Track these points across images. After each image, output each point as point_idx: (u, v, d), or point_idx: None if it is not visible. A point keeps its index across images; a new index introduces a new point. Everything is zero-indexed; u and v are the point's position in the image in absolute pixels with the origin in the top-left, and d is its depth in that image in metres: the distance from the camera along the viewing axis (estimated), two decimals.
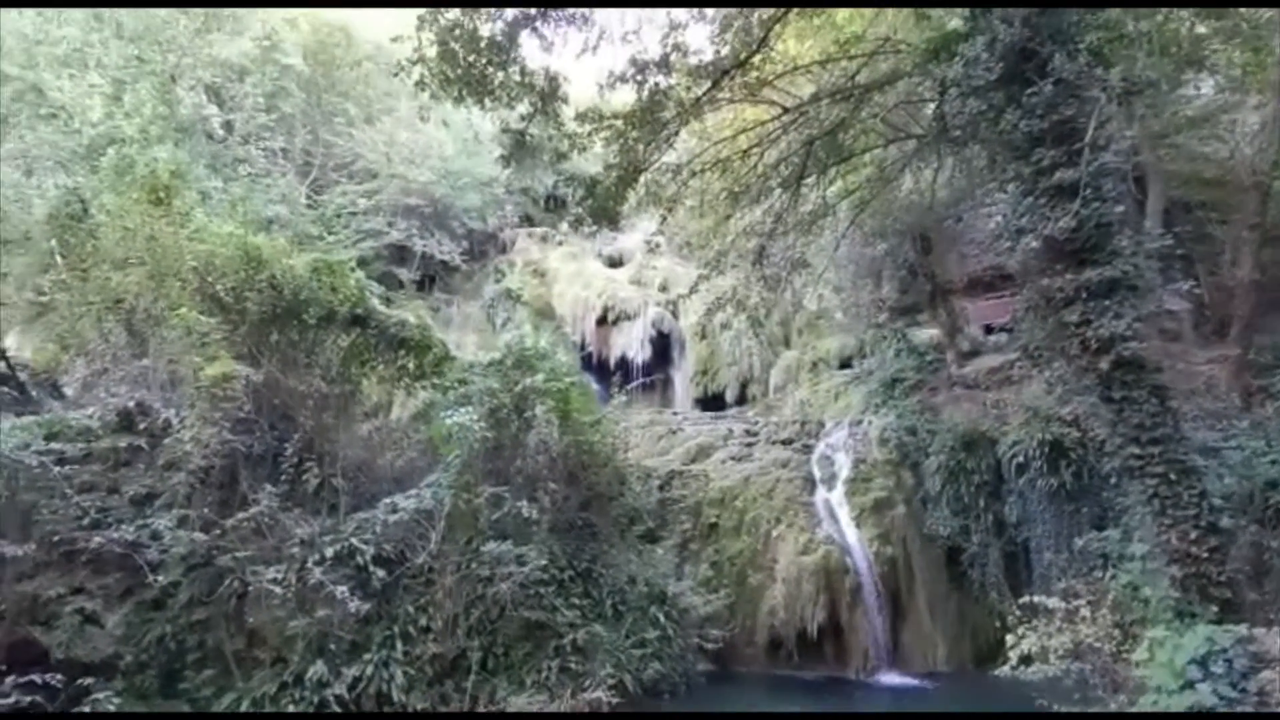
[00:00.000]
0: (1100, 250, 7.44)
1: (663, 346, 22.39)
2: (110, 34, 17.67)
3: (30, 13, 17.02)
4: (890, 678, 11.26)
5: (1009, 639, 7.51)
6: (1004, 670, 7.38)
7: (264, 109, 20.35)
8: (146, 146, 12.59)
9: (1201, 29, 10.91)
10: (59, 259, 10.46)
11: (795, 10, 11.23)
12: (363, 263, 15.51)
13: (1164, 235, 9.74)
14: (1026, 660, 7.25)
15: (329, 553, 8.21)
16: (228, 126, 19.31)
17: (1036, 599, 7.63)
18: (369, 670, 8.01)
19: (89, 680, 6.75)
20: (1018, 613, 7.87)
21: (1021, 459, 11.45)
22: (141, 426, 8.72)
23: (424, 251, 23.04)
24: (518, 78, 10.04)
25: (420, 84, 9.86)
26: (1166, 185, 13.27)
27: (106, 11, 17.77)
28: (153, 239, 9.54)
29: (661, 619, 10.27)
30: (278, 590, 7.75)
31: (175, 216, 9.94)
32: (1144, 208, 12.90)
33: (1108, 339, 7.24)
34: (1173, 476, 7.04)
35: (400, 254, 22.94)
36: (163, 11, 18.42)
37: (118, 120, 15.47)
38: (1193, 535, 6.92)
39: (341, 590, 7.84)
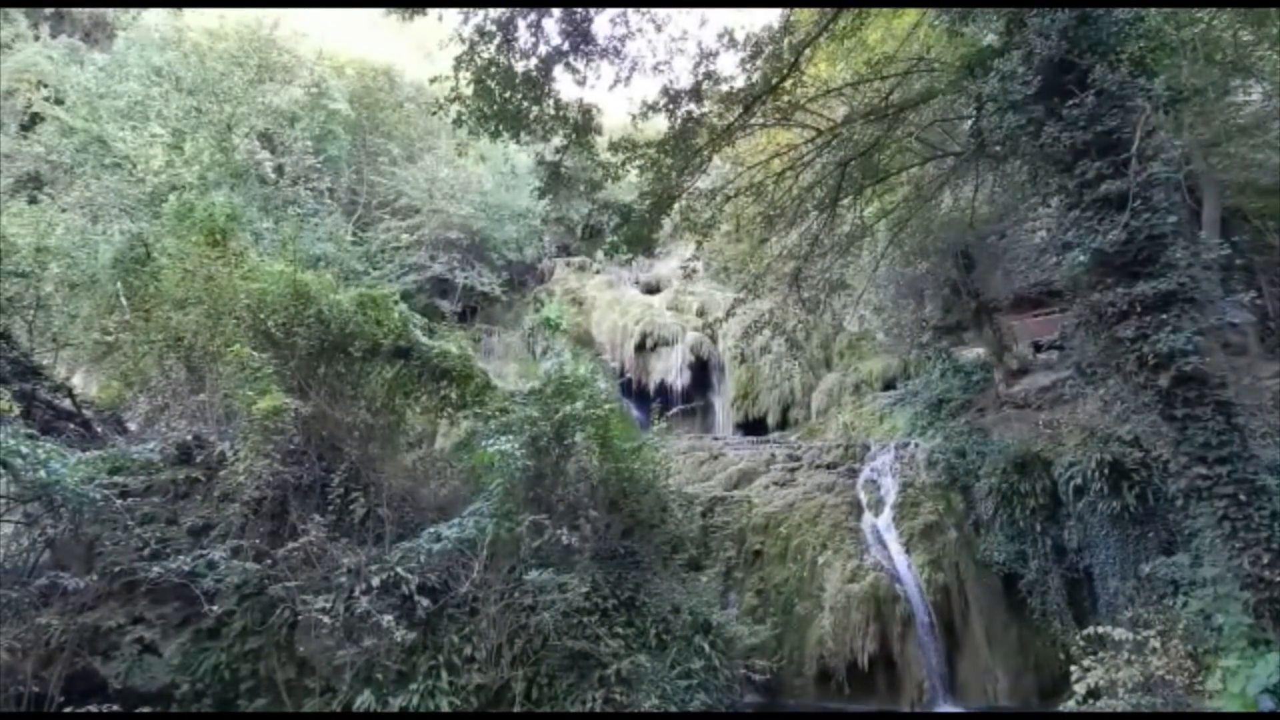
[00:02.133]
0: (1153, 262, 7.21)
1: (701, 372, 22.35)
2: (170, 87, 18.70)
3: (92, 68, 18.10)
4: (947, 710, 10.90)
5: (1074, 671, 7.17)
6: (1070, 705, 7.02)
7: (312, 152, 21.23)
8: (204, 192, 13.21)
9: (1246, 35, 10.61)
10: (124, 300, 10.96)
11: (825, 34, 11.28)
12: (406, 296, 15.76)
13: (1221, 245, 9.38)
14: (1094, 694, 6.90)
15: (375, 582, 8.30)
16: (279, 170, 20.19)
17: (1102, 629, 7.29)
18: (415, 700, 8.03)
19: (145, 709, 6.89)
20: (1082, 644, 7.52)
21: (1079, 481, 11.05)
22: (199, 459, 9.00)
23: (465, 283, 23.57)
24: (552, 111, 10.26)
25: (458, 121, 10.15)
26: (1221, 195, 12.82)
27: (165, 65, 18.80)
28: (210, 279, 9.92)
29: (707, 649, 10.09)
30: (326, 620, 7.86)
31: (230, 257, 10.34)
32: (1199, 218, 12.47)
33: (1166, 354, 6.98)
34: (1243, 497, 6.71)
35: (442, 286, 23.51)
36: (219, 64, 19.45)
37: (178, 168, 16.28)
38: (1265, 559, 6.57)
39: (388, 619, 7.91)
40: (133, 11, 22.02)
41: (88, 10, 24.39)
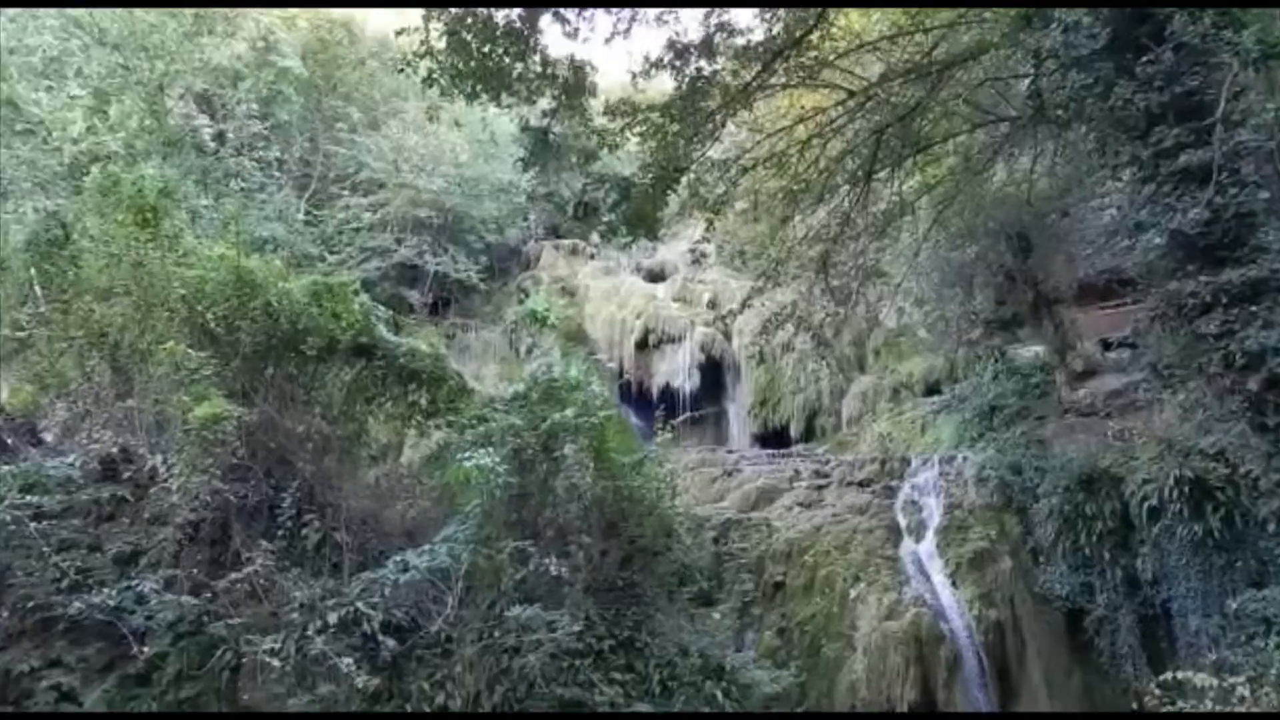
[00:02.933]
0: (1242, 246, 7.21)
1: (714, 373, 22.38)
2: (91, 40, 18.62)
3: (1, 19, 17.96)
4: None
5: None
6: None
7: (258, 116, 21.20)
8: (132, 163, 13.19)
9: None
10: (38, 290, 10.92)
11: None
12: (368, 285, 15.73)
13: None
14: None
15: (332, 619, 8.28)
16: (219, 138, 20.17)
17: (1182, 674, 7.27)
18: None
19: None
20: (1158, 691, 7.51)
21: (1155, 502, 11.03)
22: (126, 475, 8.98)
23: (437, 270, 23.56)
24: (538, 68, 10.25)
25: (429, 80, 10.14)
26: None
27: (85, 15, 18.66)
28: (139, 265, 9.89)
29: (719, 697, 10.07)
30: (275, 663, 7.83)
31: (163, 240, 10.30)
32: None
33: (1256, 353, 6.98)
34: None
35: (410, 274, 23.49)
36: (150, 15, 19.31)
37: (101, 135, 16.26)
38: None
39: (347, 662, 7.89)
40: None
41: None
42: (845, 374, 20.58)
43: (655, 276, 26.75)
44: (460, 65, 9.98)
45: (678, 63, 10.60)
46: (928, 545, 12.86)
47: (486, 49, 9.91)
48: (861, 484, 14.83)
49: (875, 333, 20.83)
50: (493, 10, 9.79)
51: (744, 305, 14.34)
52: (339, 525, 9.21)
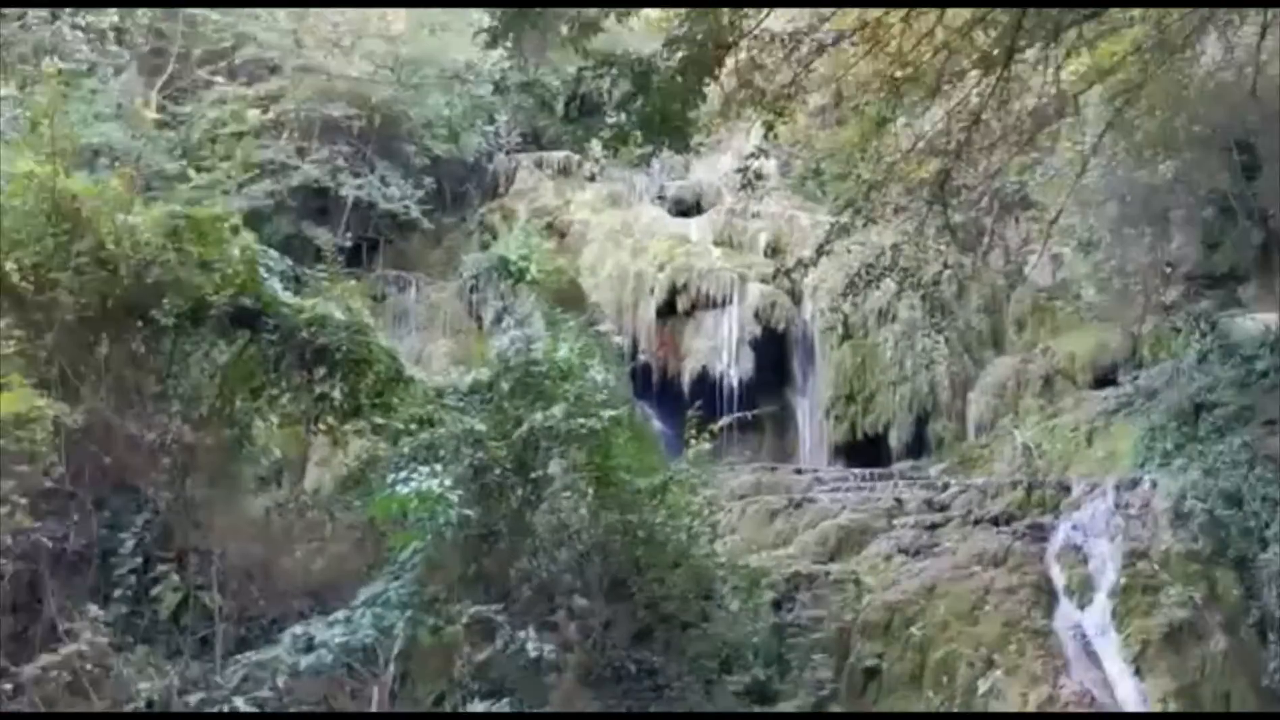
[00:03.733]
0: None
1: (774, 354, 22.44)
2: None
3: None
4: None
5: None
6: None
7: None
8: None
9: None
10: None
11: None
12: (255, 219, 15.60)
13: None
14: None
15: None
16: None
17: None
18: None
19: None
20: None
21: None
22: None
23: (359, 198, 23.41)
24: None
25: None
26: None
27: None
28: None
29: None
30: None
31: None
32: None
33: None
34: None
35: (319, 203, 23.34)
36: None
37: None
38: None
39: None
40: None
41: None
42: (973, 355, 20.61)
43: (687, 209, 26.66)
44: None
45: None
46: (1097, 614, 12.84)
47: None
48: (997, 521, 14.78)
49: (1018, 294, 20.88)
50: None
51: (820, 252, 14.32)
52: (209, 581, 9.14)
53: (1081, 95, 14.62)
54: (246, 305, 10.16)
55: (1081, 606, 12.99)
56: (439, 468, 9.56)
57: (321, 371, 10.70)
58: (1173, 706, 11.66)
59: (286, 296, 10.76)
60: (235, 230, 10.41)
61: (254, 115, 21.52)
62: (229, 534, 9.71)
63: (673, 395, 21.40)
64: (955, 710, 12.15)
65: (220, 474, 10.18)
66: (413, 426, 10.78)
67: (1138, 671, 12.03)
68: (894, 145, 14.62)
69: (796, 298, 22.38)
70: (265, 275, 10.59)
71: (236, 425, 10.49)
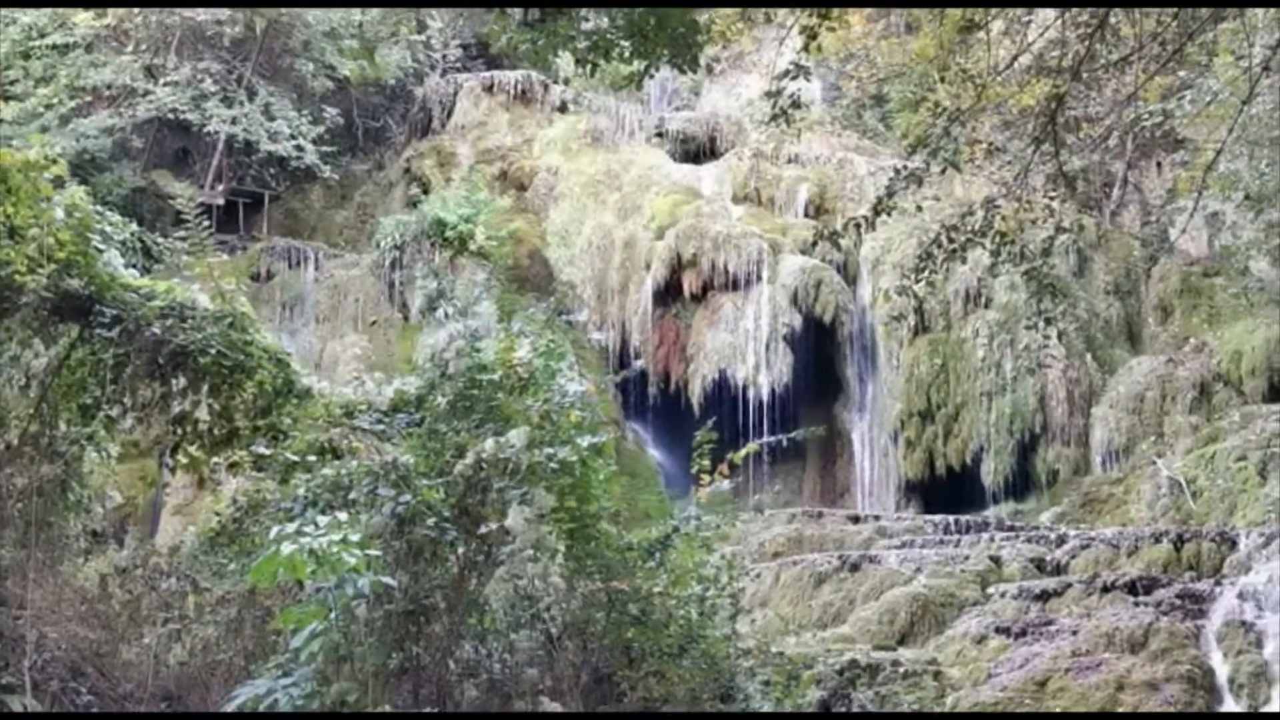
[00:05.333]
0: None
1: (817, 352, 22.78)
2: None
3: None
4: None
5: None
6: None
7: None
8: None
9: None
10: None
11: None
12: (87, 167, 15.54)
13: None
14: None
15: None
16: None
17: None
18: None
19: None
20: None
21: None
22: None
23: (233, 136, 23.69)
24: None
25: None
26: None
27: None
28: None
29: None
30: None
31: None
32: None
33: None
34: None
35: (177, 143, 23.85)
36: None
37: None
38: None
39: None
40: None
41: None
42: (1098, 356, 20.53)
43: (696, 151, 26.87)
44: None
45: None
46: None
47: None
48: (1134, 588, 14.77)
49: (1161, 268, 20.75)
50: None
51: (880, 209, 14.20)
52: (19, 680, 9.06)
53: None
54: (74, 289, 10.11)
55: (1254, 706, 13.01)
56: (347, 517, 9.52)
57: (181, 382, 10.71)
58: None
59: (131, 276, 10.75)
60: (59, 182, 10.34)
61: (84, 22, 21.49)
62: (49, 613, 9.67)
63: (677, 413, 21.59)
64: None
65: (38, 526, 10.04)
66: (310, 459, 10.69)
67: None
68: (987, 60, 14.52)
69: (850, 275, 22.63)
70: (101, 246, 10.54)
71: (60, 458, 10.38)
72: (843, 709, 13.46)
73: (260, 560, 9.80)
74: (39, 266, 9.88)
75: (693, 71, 16.10)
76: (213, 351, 10.59)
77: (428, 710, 9.24)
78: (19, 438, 10.19)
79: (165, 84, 22.79)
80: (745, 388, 21.63)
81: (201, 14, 23.32)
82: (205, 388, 10.77)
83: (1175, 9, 14.06)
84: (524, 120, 26.64)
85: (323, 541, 9.12)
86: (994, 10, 14.22)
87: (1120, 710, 13.06)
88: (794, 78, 14.48)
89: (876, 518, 18.70)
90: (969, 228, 14.39)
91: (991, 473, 20.43)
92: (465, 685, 10.20)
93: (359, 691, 9.41)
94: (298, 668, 9.22)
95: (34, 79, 15.94)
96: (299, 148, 23.98)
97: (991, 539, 16.97)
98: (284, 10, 24.18)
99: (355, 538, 9.15)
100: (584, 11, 12.92)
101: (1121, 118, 14.34)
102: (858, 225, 15.10)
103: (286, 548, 9.12)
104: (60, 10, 22.04)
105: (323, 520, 9.39)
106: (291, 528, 9.43)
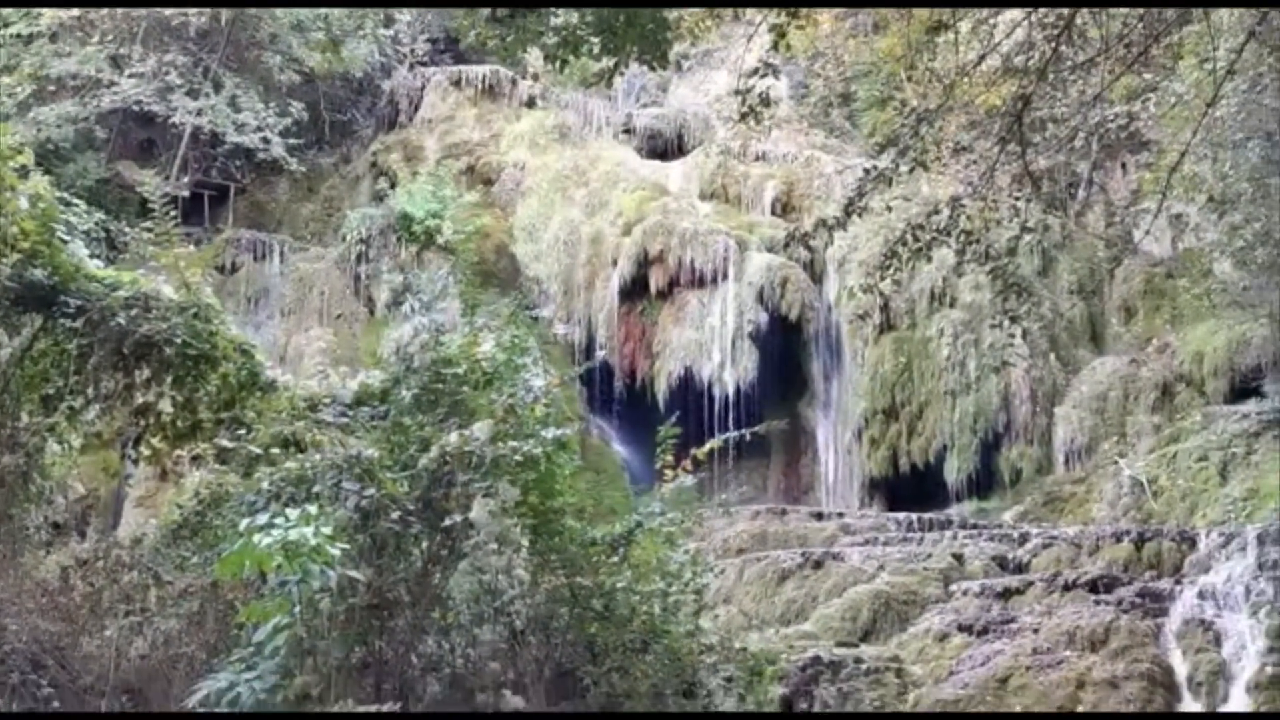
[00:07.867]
0: None
1: (784, 349, 22.83)
2: None
3: None
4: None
5: None
6: None
7: None
8: None
9: None
10: None
11: None
12: (51, 157, 15.44)
13: None
14: None
15: None
16: None
17: None
18: None
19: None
20: None
21: None
22: None
23: (199, 128, 23.55)
24: None
25: None
26: None
27: None
28: None
29: None
30: None
31: None
32: None
33: None
34: None
35: (142, 135, 23.70)
36: None
37: None
38: None
39: None
40: None
41: None
42: (1062, 355, 20.69)
43: (664, 147, 26.86)
44: None
45: None
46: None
47: None
48: (1095, 587, 14.83)
49: (1126, 269, 20.90)
50: None
51: (850, 209, 14.30)
52: None
53: None
54: (37, 279, 10.10)
55: (1213, 705, 13.09)
56: (312, 510, 9.47)
57: (145, 374, 10.67)
58: None
59: (95, 267, 10.70)
60: (22, 173, 10.29)
61: (47, 12, 21.33)
62: (9, 605, 9.66)
63: (642, 409, 21.62)
64: None
65: None
66: (275, 452, 10.67)
67: None
68: (954, 60, 14.51)
69: (816, 273, 22.65)
70: (65, 237, 10.52)
71: (21, 449, 10.33)
72: (805, 706, 13.55)
73: (229, 553, 9.78)
74: (2, 256, 9.86)
75: (662, 68, 16.15)
76: (177, 342, 10.59)
77: (387, 708, 9.04)
78: None
79: (130, 75, 22.68)
80: (711, 385, 21.68)
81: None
82: (169, 379, 10.75)
83: (1141, 10, 14.15)
84: (492, 115, 26.62)
85: (287, 535, 9.12)
86: (961, 11, 14.23)
87: (1080, 710, 13.14)
88: (762, 76, 14.53)
89: (840, 515, 18.82)
90: (935, 227, 14.41)
91: (955, 471, 20.56)
92: (428, 679, 10.23)
93: (321, 685, 9.41)
94: (261, 661, 9.19)
95: None
96: (265, 140, 23.93)
97: (954, 537, 17.09)
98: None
99: (327, 530, 9.18)
100: (549, 11, 12.99)
101: (1087, 119, 14.41)
102: (825, 225, 15.14)
103: (261, 540, 9.13)
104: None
105: (288, 514, 9.38)
106: (256, 521, 9.44)
